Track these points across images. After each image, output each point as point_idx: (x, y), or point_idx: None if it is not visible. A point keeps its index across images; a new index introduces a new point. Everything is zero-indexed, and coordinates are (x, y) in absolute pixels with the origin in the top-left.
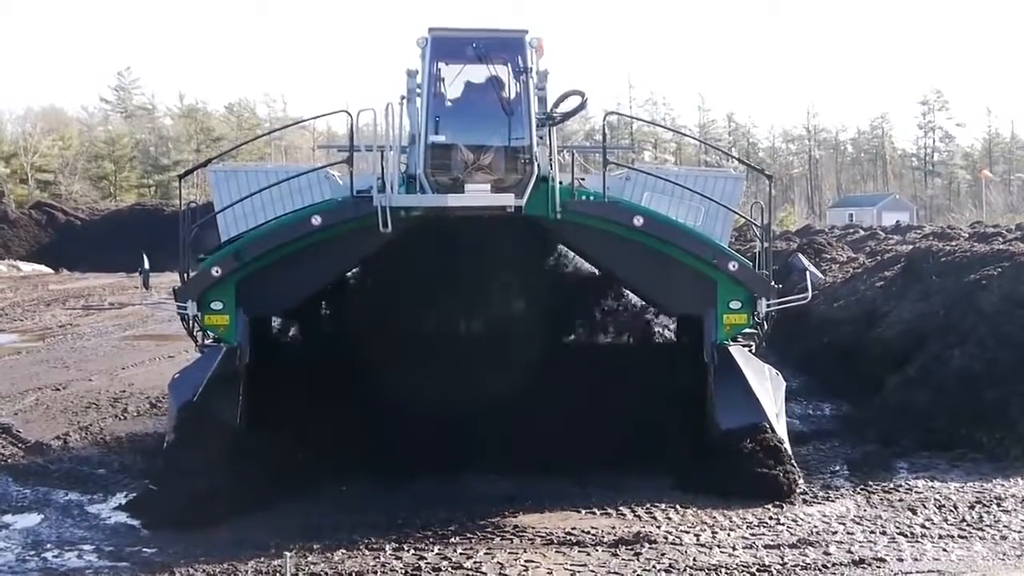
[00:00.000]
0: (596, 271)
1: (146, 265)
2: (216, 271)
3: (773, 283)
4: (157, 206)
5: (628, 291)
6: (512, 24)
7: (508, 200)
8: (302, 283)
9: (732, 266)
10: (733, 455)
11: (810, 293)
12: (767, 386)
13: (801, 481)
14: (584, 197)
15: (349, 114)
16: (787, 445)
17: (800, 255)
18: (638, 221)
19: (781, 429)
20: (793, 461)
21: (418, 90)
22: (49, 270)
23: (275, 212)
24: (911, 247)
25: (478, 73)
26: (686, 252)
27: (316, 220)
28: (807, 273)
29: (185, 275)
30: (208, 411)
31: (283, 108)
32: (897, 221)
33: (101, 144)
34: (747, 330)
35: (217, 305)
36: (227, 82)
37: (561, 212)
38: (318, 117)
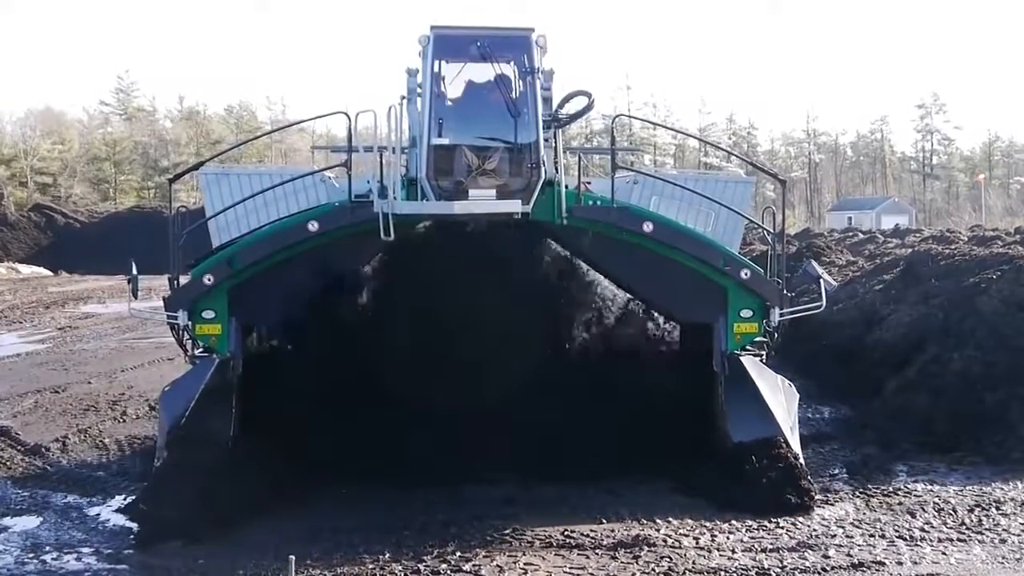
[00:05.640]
0: (600, 275)
1: (134, 272)
2: (208, 279)
3: (786, 291)
4: (157, 208)
5: (635, 298)
6: (511, 23)
7: (515, 207)
8: (297, 290)
9: (744, 274)
10: (746, 470)
11: (824, 302)
12: (780, 398)
13: (817, 497)
14: (591, 202)
15: (348, 116)
16: (802, 460)
17: (813, 262)
18: (647, 227)
19: (795, 443)
20: (809, 477)
21: (419, 90)
22: (48, 272)
23: (269, 216)
24: (910, 250)
25: (479, 72)
26: (696, 259)
27: (313, 226)
28: (821, 281)
29: (175, 283)
30: (200, 428)
31: (283, 111)
32: (896, 224)
33: (101, 147)
34: (757, 339)
35: (209, 314)
36: (227, 85)
37: (567, 217)
38: (316, 119)
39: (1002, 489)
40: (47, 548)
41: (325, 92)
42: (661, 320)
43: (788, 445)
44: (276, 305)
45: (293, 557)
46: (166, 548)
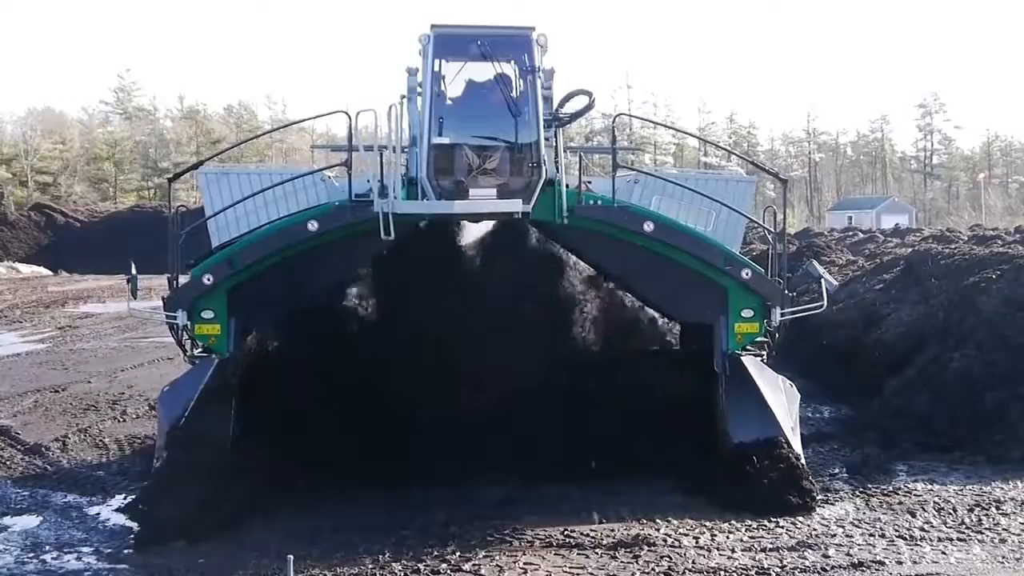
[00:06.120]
0: (602, 276)
1: (134, 272)
2: (207, 279)
3: (787, 291)
4: (157, 208)
5: (635, 298)
6: (511, 23)
7: (515, 206)
8: (297, 291)
9: (745, 274)
10: (747, 470)
11: (826, 302)
12: (781, 398)
13: (819, 498)
14: (592, 201)
15: (348, 115)
16: (804, 461)
17: (815, 262)
18: (648, 227)
19: (797, 443)
20: (811, 478)
21: (419, 89)
22: (48, 272)
23: (268, 216)
24: (910, 250)
25: (480, 71)
26: (697, 259)
27: (313, 226)
28: (822, 281)
29: (174, 283)
30: (200, 429)
31: (283, 110)
32: (896, 224)
33: (102, 146)
34: (758, 338)
35: (208, 314)
36: (228, 84)
37: (568, 217)
38: (315, 118)
39: (1002, 489)
40: (47, 547)
41: (325, 92)
42: (662, 320)
43: (789, 446)
44: (276, 305)
45: (291, 557)
46: (166, 548)
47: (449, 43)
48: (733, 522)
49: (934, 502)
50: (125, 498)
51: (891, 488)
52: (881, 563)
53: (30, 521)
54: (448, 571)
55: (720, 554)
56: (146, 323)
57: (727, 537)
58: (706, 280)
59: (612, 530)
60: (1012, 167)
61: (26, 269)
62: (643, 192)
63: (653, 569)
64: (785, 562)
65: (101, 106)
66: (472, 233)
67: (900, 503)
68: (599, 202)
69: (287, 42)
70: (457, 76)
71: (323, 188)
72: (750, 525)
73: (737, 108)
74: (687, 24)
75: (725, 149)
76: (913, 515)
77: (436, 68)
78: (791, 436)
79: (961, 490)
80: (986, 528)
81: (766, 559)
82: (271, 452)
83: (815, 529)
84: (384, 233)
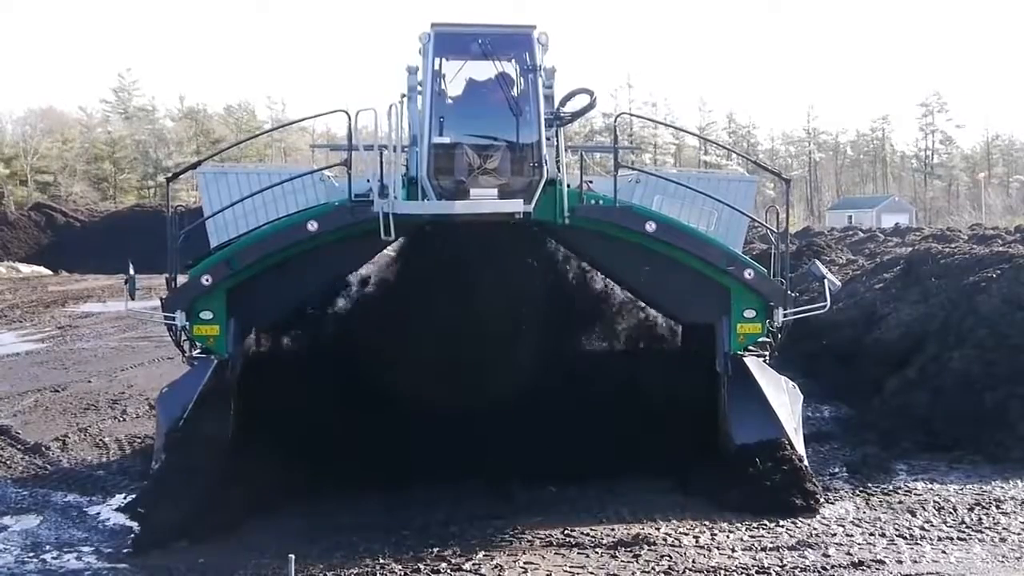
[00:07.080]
0: (603, 277)
1: (132, 272)
2: (206, 279)
3: (790, 292)
4: (157, 208)
5: (637, 298)
6: (512, 21)
7: (516, 207)
8: (296, 291)
9: (748, 274)
10: (749, 472)
11: (828, 302)
12: (784, 399)
13: (822, 499)
14: (593, 201)
15: (347, 114)
16: (806, 463)
17: (818, 262)
18: (650, 227)
19: (799, 445)
20: (814, 479)
21: (419, 88)
22: (48, 271)
23: (267, 216)
24: (910, 249)
25: (481, 70)
26: (699, 259)
27: (312, 226)
28: (825, 281)
29: (173, 283)
30: (198, 430)
31: (283, 110)
32: (896, 223)
33: (102, 146)
34: (760, 339)
35: (207, 315)
36: (228, 84)
37: (569, 217)
38: (316, 116)
39: (1002, 488)
40: (47, 547)
41: (325, 92)
42: (663, 320)
43: (792, 447)
44: (275, 305)
45: (293, 556)
46: (167, 546)
47: (450, 42)
48: (733, 521)
49: (934, 501)
50: (125, 498)
51: (891, 487)
52: (881, 562)
53: (30, 521)
54: (448, 571)
55: (720, 553)
56: (146, 323)
57: (727, 536)
58: (708, 280)
59: (612, 530)
60: (1012, 166)
61: (26, 269)
62: (644, 192)
63: (653, 569)
64: (785, 561)
65: (101, 106)
66: (472, 232)
67: (900, 502)
68: (600, 202)
69: (287, 42)
70: (458, 75)
71: (323, 188)
72: (750, 524)
73: (737, 107)
74: (687, 24)
75: (726, 148)
76: (913, 514)
77: (436, 67)
78: (794, 437)
79: (961, 489)
80: (986, 527)
81: (766, 558)
82: (270, 452)
83: (815, 528)
84: (384, 233)
